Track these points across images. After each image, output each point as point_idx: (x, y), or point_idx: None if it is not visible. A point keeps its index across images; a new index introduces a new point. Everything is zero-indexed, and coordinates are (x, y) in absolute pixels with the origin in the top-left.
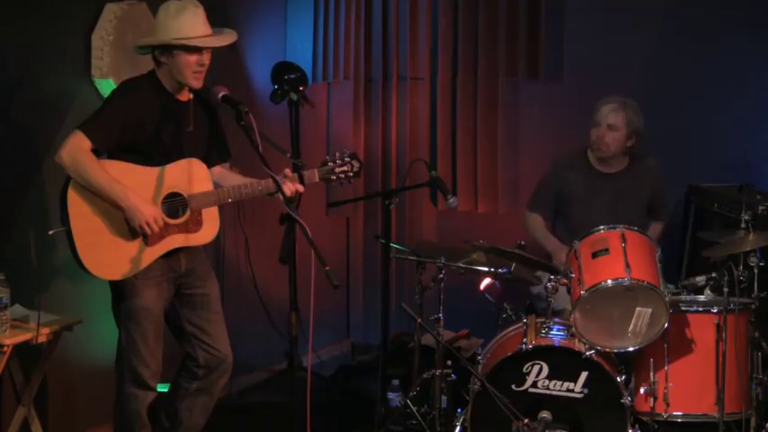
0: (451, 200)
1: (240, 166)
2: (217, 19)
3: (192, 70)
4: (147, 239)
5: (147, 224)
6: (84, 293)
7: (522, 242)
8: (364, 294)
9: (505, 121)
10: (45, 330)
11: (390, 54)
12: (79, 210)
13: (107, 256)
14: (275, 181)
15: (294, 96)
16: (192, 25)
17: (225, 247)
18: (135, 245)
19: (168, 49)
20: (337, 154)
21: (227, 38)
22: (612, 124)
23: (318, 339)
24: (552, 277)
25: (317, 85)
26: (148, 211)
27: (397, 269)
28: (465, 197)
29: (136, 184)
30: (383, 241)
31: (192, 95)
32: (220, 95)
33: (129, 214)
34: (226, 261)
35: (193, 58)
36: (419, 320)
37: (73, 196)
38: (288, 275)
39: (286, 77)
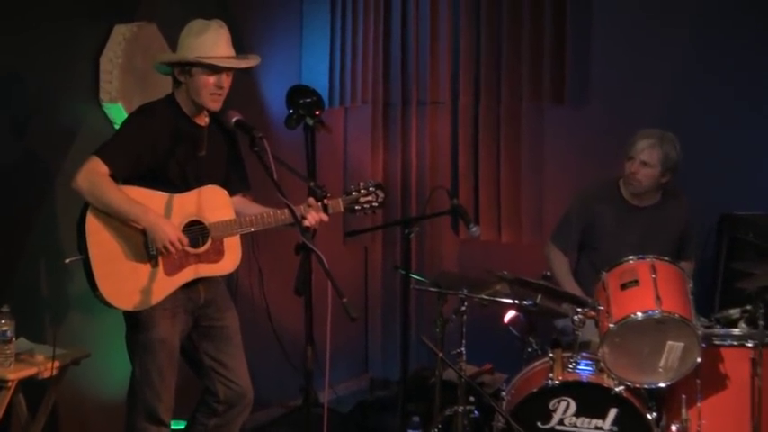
0: (474, 229)
1: (254, 194)
2: (233, 45)
3: (210, 92)
4: (168, 268)
5: (172, 244)
6: (92, 325)
7: (548, 273)
8: (383, 327)
9: (529, 147)
10: (52, 364)
11: (410, 78)
12: (98, 237)
13: (126, 285)
14: (291, 210)
15: (310, 121)
16: (212, 44)
17: (238, 278)
18: (155, 274)
19: (187, 67)
20: (362, 183)
21: (248, 61)
22: (647, 161)
23: (335, 374)
24: (579, 310)
25: (334, 110)
26: (171, 231)
27: (418, 301)
28: (488, 226)
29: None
30: (403, 272)
31: (209, 120)
32: (233, 120)
33: (151, 234)
34: (239, 292)
35: (212, 79)
36: (440, 354)
37: (92, 222)
38: (303, 307)
39: (301, 102)
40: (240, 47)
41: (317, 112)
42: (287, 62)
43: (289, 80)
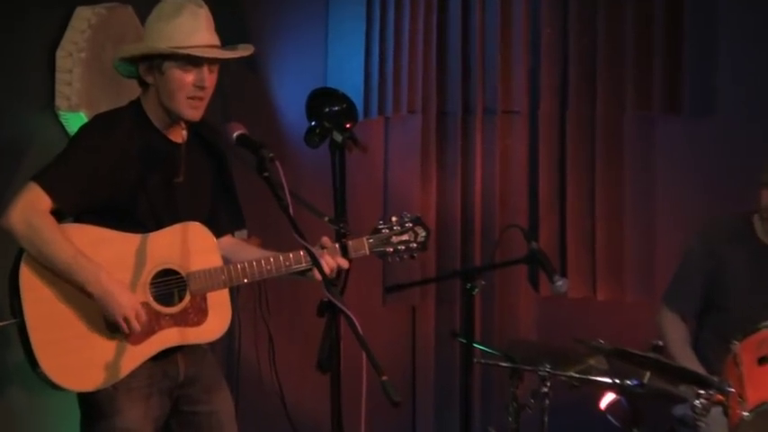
0: (559, 282)
1: (261, 235)
2: (235, 33)
3: (187, 94)
4: (131, 335)
5: (126, 319)
6: (42, 410)
7: (660, 342)
8: (436, 414)
9: (634, 171)
10: None
11: (473, 79)
12: (37, 294)
13: (75, 357)
14: (310, 253)
15: (338, 137)
16: (190, 30)
17: (240, 348)
18: (114, 342)
19: (156, 61)
20: (394, 218)
21: (236, 52)
22: None
23: None
24: (702, 392)
25: (371, 122)
26: (127, 301)
27: (483, 379)
28: (578, 279)
29: (113, 258)
30: (463, 340)
31: (187, 134)
32: (235, 135)
33: (102, 305)
34: (241, 366)
35: (189, 75)
36: None
37: (27, 275)
38: (329, 388)
39: (327, 110)
40: (245, 39)
41: (348, 125)
42: (308, 59)
43: (310, 82)
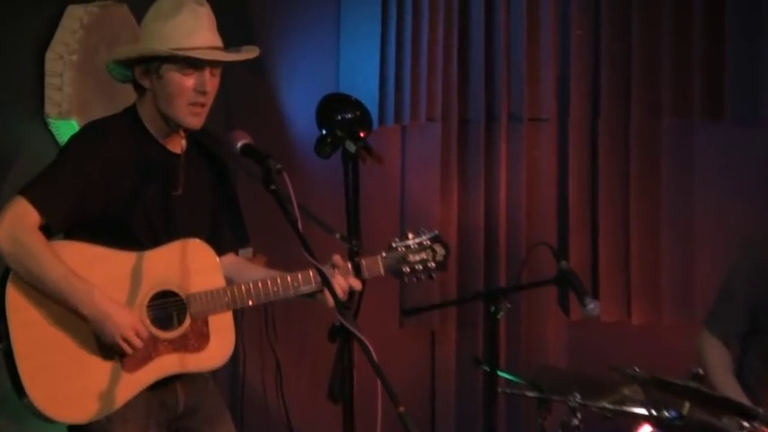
0: (591, 305)
1: (267, 253)
2: (241, 35)
3: (188, 100)
4: (127, 362)
5: (125, 340)
6: None
7: (700, 370)
8: None
9: (673, 182)
10: None
11: (497, 84)
12: (24, 316)
13: (66, 386)
14: (321, 273)
15: (351, 146)
16: (190, 30)
17: (245, 376)
18: (108, 369)
19: (154, 64)
20: (411, 235)
21: (240, 54)
22: None
23: None
24: (746, 425)
25: (387, 130)
26: (125, 321)
27: (508, 410)
28: (611, 301)
29: (107, 278)
30: (486, 368)
31: (187, 144)
32: (239, 145)
33: (98, 327)
34: (246, 396)
35: (190, 79)
36: None
37: (14, 295)
38: (341, 419)
39: (339, 118)
40: (251, 41)
41: (362, 134)
42: (319, 63)
43: (321, 88)
